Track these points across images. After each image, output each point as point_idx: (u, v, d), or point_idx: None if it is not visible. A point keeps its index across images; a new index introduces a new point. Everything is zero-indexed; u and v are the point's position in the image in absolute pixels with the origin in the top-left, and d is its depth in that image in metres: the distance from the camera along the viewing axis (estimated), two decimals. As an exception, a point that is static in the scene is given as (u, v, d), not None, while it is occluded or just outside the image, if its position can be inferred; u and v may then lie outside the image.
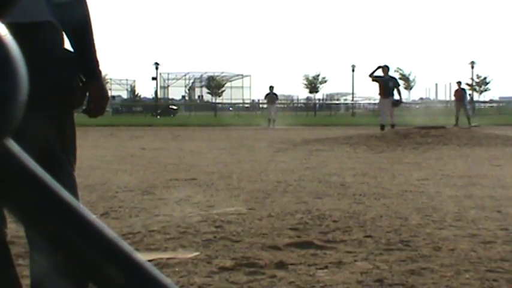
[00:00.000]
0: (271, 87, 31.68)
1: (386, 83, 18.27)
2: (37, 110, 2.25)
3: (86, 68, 2.37)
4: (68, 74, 2.31)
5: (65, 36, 2.33)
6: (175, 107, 52.50)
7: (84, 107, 2.45)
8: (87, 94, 2.40)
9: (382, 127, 17.92)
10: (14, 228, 2.51)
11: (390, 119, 18.44)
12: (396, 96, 18.58)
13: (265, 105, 72.31)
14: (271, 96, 30.16)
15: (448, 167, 9.39)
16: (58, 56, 2.28)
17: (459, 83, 28.27)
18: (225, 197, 6.40)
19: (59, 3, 2.24)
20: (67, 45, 2.37)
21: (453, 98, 32.34)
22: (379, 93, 18.44)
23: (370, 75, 18.28)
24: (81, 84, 2.37)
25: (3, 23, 0.37)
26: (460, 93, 26.98)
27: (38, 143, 2.21)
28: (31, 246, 2.23)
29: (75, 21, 2.31)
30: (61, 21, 2.28)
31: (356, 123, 28.66)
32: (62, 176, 2.25)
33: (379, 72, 18.43)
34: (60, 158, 2.29)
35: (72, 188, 2.29)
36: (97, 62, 2.40)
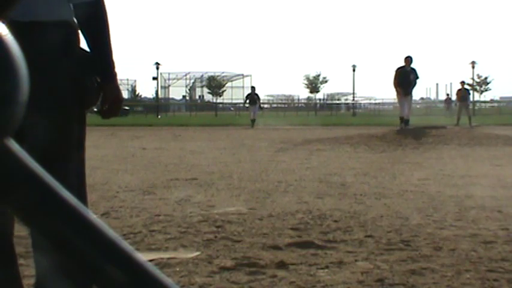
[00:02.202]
0: (252, 88, 31.25)
1: (408, 74, 17.18)
2: (51, 106, 2.28)
3: (102, 69, 2.38)
4: (83, 72, 2.32)
5: (81, 36, 2.34)
6: (127, 108, 52.10)
7: (96, 108, 2.46)
8: (101, 95, 2.41)
9: (402, 119, 17.20)
10: (15, 229, 2.51)
11: (406, 113, 17.44)
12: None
13: (265, 106, 72.14)
14: (253, 97, 29.43)
15: (449, 167, 9.38)
16: (74, 54, 2.29)
17: (462, 82, 28.25)
18: (225, 196, 6.40)
19: (78, 3, 2.26)
20: (83, 45, 2.38)
21: (454, 98, 32.51)
22: (399, 85, 17.21)
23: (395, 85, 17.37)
24: (96, 85, 2.38)
25: (4, 22, 0.37)
26: (462, 92, 26.96)
27: (48, 138, 2.23)
28: (34, 246, 2.25)
29: (92, 22, 2.33)
30: (79, 22, 2.29)
31: (357, 123, 28.65)
32: (70, 174, 2.27)
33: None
34: (71, 154, 2.30)
35: (81, 186, 2.31)
36: (113, 63, 2.40)
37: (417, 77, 17.55)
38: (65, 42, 2.25)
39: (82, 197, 2.34)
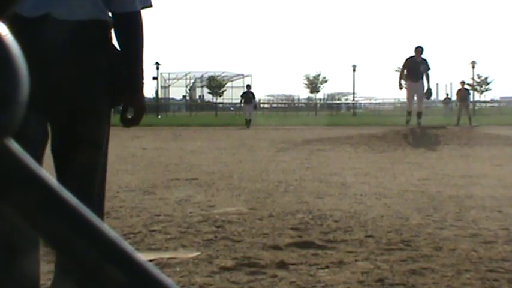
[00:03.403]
0: (248, 86, 30.28)
1: (418, 65, 16.00)
2: (89, 99, 2.33)
3: (131, 79, 2.41)
4: (118, 70, 2.36)
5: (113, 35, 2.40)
6: None
7: (121, 108, 2.50)
8: (126, 103, 2.46)
9: (409, 114, 16.37)
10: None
11: (418, 106, 16.49)
12: (425, 84, 16.25)
13: (266, 106, 71.89)
14: (248, 96, 28.59)
15: (449, 167, 9.38)
16: (110, 52, 2.34)
17: (462, 82, 28.29)
18: (226, 196, 6.40)
19: (116, 13, 2.30)
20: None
21: (454, 98, 32.57)
22: (407, 77, 16.06)
23: (399, 82, 16.18)
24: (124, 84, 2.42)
25: (4, 22, 0.37)
26: (463, 92, 26.98)
27: (82, 134, 2.27)
28: (57, 266, 2.27)
29: (128, 32, 2.40)
30: (116, 31, 2.35)
31: (357, 123, 28.64)
32: (100, 167, 2.33)
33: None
34: (102, 147, 2.35)
35: (103, 180, 2.37)
36: (142, 74, 2.44)
37: (429, 68, 16.30)
38: (103, 40, 2.30)
39: (102, 191, 2.41)
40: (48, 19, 2.14)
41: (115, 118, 2.56)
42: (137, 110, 2.47)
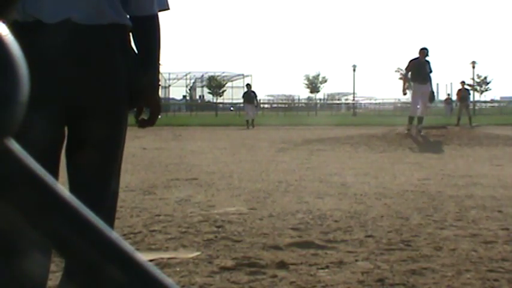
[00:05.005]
0: (248, 85, 29.44)
1: (423, 66, 15.11)
2: (111, 104, 2.35)
3: (148, 79, 2.44)
4: (135, 73, 2.38)
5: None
6: None
7: (133, 112, 2.51)
8: (143, 104, 2.49)
9: (411, 120, 15.32)
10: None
11: (421, 111, 15.38)
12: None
13: (266, 106, 71.88)
14: (249, 95, 27.68)
15: (449, 167, 9.38)
16: (129, 55, 2.35)
17: (463, 82, 28.30)
18: (226, 196, 6.40)
19: (134, 16, 2.32)
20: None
21: (454, 98, 32.58)
22: (412, 80, 15.18)
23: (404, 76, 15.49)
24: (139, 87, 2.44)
25: (4, 23, 0.37)
26: (463, 93, 26.97)
27: (103, 136, 2.28)
28: (65, 272, 2.28)
29: (146, 34, 2.41)
30: (133, 33, 2.39)
31: (357, 123, 28.63)
32: (116, 172, 2.35)
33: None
34: (120, 151, 2.37)
35: (117, 184, 2.40)
36: (159, 75, 2.47)
37: (431, 71, 15.41)
38: (122, 43, 2.33)
39: (116, 195, 2.45)
40: (68, 24, 2.15)
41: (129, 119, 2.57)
42: (153, 110, 2.49)
